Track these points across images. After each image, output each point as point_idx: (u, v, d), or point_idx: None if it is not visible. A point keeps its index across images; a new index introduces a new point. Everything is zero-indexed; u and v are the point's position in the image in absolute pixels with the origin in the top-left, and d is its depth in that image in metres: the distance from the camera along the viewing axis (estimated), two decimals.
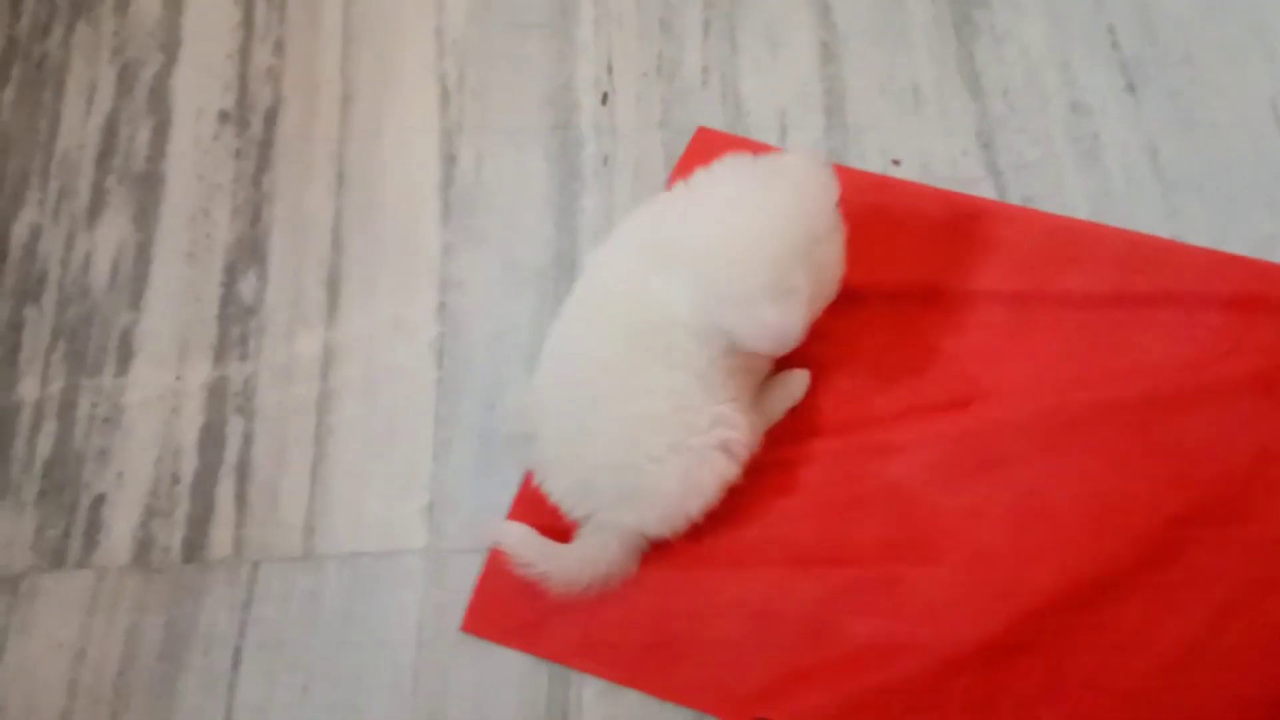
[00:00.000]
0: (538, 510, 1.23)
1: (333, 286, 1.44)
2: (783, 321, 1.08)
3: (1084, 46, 1.40)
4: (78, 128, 1.60)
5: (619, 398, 1.14)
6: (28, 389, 1.44)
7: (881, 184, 1.35)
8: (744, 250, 1.08)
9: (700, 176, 1.15)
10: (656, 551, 1.20)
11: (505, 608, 1.22)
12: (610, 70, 1.51)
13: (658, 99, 1.49)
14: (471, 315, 1.40)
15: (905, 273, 1.29)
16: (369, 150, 1.52)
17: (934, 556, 1.18)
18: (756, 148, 1.34)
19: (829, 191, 1.12)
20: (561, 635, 1.20)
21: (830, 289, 1.15)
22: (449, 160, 1.50)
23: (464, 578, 1.26)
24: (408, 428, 1.35)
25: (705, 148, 1.40)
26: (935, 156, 1.37)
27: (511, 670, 1.21)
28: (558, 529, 1.21)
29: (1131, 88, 1.37)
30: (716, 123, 1.46)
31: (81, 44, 1.67)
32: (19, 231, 1.54)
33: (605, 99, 1.50)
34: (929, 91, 1.41)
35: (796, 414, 1.25)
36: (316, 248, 1.47)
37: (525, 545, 1.20)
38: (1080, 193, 1.32)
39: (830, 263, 1.14)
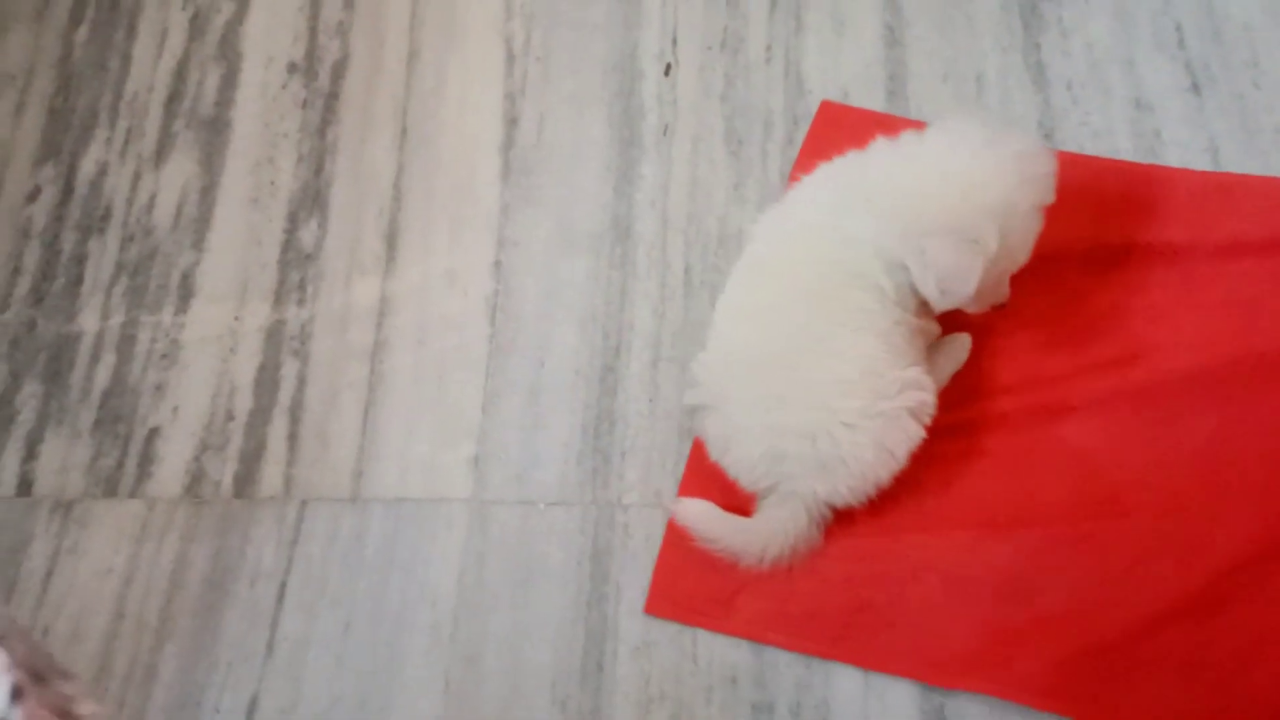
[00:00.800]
0: (706, 485, 1.22)
1: (391, 238, 1.47)
2: (955, 267, 1.08)
3: (1150, 44, 1.41)
4: (148, 70, 1.64)
5: (807, 364, 1.13)
6: (88, 320, 1.47)
7: None
8: (944, 190, 1.09)
9: (913, 134, 1.16)
10: (839, 521, 1.19)
11: (689, 587, 1.21)
12: (675, 42, 1.53)
13: (720, 73, 1.50)
14: (525, 274, 1.42)
15: (1061, 233, 1.24)
16: (432, 107, 1.55)
17: (1121, 513, 1.17)
18: (882, 120, 1.36)
19: (1045, 181, 1.13)
20: (753, 610, 1.19)
21: (1009, 265, 1.14)
22: (511, 121, 1.52)
23: (506, 528, 1.28)
24: (458, 380, 1.37)
25: (832, 121, 1.41)
26: None
27: (549, 622, 1.23)
28: (728, 506, 1.20)
29: (1196, 87, 1.37)
30: (776, 100, 1.47)
31: None
32: (86, 167, 1.58)
33: (668, 70, 1.51)
34: (992, 80, 1.42)
35: (964, 378, 1.24)
36: (377, 200, 1.49)
37: (709, 521, 1.19)
38: None
39: (1018, 241, 1.13)
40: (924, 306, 1.16)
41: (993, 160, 1.10)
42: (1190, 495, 1.17)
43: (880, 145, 1.18)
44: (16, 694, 0.63)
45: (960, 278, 1.09)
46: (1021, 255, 1.15)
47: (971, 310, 1.19)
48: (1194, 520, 1.16)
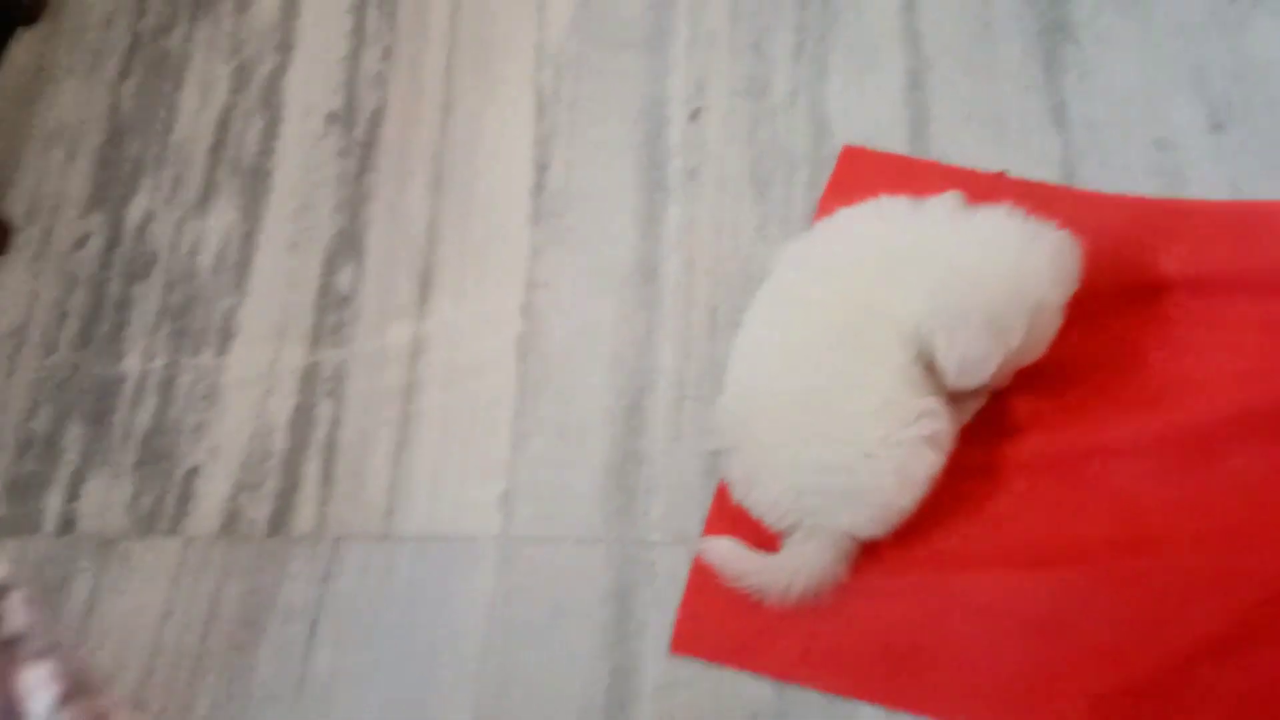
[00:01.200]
0: (732, 527, 1.23)
1: (424, 282, 1.50)
2: (977, 353, 1.12)
3: (1171, 84, 1.42)
4: (193, 120, 1.70)
5: (826, 398, 1.16)
6: (132, 363, 1.52)
7: (1051, 193, 1.36)
8: (984, 278, 1.13)
9: (962, 209, 1.20)
10: (867, 558, 1.20)
11: (715, 626, 1.21)
12: (701, 88, 1.56)
13: (745, 117, 1.53)
14: (554, 314, 1.45)
15: (1088, 272, 1.23)
16: (466, 155, 1.59)
17: (1152, 551, 1.16)
18: (904, 164, 1.40)
19: (1073, 277, 1.18)
20: (780, 649, 1.19)
21: (1026, 358, 1.18)
22: (541, 167, 1.55)
23: (533, 565, 1.30)
24: (488, 419, 1.40)
25: (854, 165, 1.44)
26: None
27: (575, 658, 1.24)
28: (754, 546, 1.22)
29: (1218, 127, 1.38)
30: (800, 143, 1.49)
31: (201, 41, 1.76)
32: (133, 215, 1.63)
33: (695, 115, 1.54)
34: (1013, 122, 1.44)
35: (991, 416, 1.25)
36: (411, 244, 1.53)
37: (736, 558, 1.20)
38: None
39: (1039, 337, 1.17)
40: (932, 365, 1.17)
41: (1032, 256, 1.15)
42: (1224, 531, 1.16)
43: (934, 205, 1.21)
44: (61, 701, 0.67)
45: (980, 365, 1.13)
46: (1038, 352, 1.18)
47: (970, 388, 1.20)
48: (1229, 556, 1.15)
